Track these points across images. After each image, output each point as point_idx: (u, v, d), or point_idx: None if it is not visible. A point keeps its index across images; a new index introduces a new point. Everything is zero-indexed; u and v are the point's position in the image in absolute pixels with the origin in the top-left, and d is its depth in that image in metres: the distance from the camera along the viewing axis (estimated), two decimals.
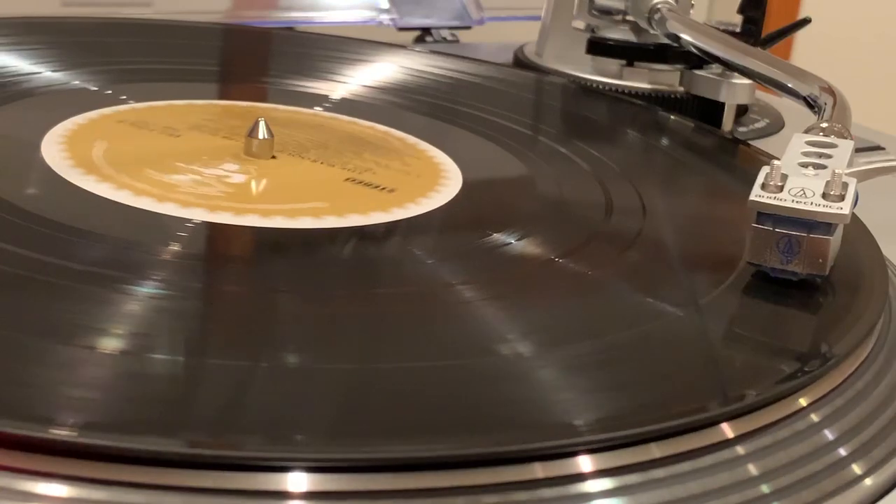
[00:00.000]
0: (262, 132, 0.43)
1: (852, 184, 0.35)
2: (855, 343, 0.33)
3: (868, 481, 0.29)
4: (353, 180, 0.42)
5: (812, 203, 0.34)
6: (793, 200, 0.35)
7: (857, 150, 0.41)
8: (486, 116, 0.52)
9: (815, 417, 0.30)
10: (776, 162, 0.36)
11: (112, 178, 0.39)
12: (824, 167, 0.37)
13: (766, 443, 0.28)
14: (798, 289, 0.35)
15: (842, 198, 0.35)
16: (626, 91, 0.59)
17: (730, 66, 0.55)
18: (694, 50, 0.56)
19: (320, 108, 0.51)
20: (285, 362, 0.29)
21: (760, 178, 0.35)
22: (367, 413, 0.27)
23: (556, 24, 0.64)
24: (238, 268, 0.36)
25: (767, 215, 0.35)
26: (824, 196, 0.35)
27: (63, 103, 0.46)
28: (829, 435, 0.30)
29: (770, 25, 0.63)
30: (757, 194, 0.35)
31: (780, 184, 0.35)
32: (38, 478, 0.23)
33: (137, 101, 0.48)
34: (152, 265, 0.33)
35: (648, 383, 0.30)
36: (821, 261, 0.35)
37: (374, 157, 0.45)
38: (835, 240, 0.35)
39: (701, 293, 0.36)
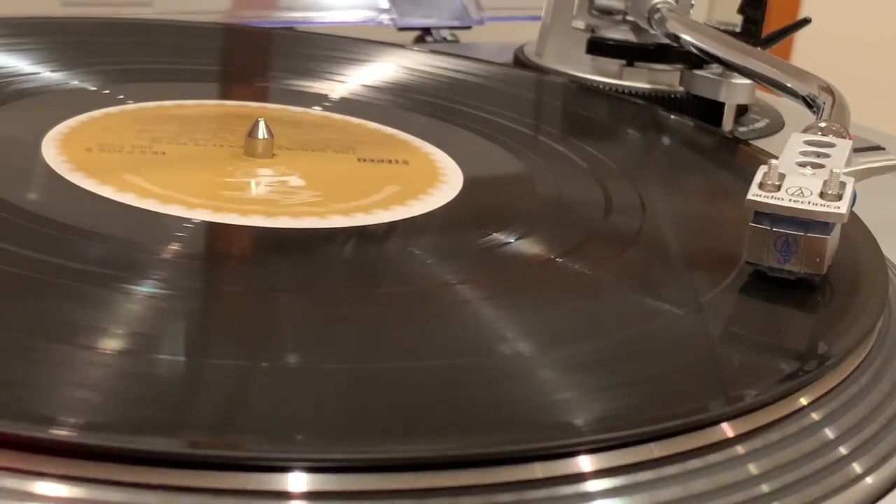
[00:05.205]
0: (262, 132, 0.43)
1: (850, 183, 0.35)
2: (855, 342, 0.33)
3: (869, 480, 0.29)
4: (370, 160, 0.42)
5: (809, 202, 0.34)
6: (790, 200, 0.35)
7: (857, 150, 0.41)
8: (486, 116, 0.52)
9: (815, 417, 0.30)
10: (774, 161, 0.36)
11: (114, 178, 0.39)
12: (822, 166, 0.37)
13: (766, 442, 0.28)
14: (798, 288, 0.35)
15: (839, 197, 0.35)
16: (626, 91, 0.59)
17: (730, 66, 0.55)
18: (694, 50, 0.56)
19: (320, 108, 0.51)
20: (285, 362, 0.29)
21: (758, 178, 0.35)
22: (366, 413, 0.27)
23: (556, 24, 0.64)
24: (239, 267, 0.36)
25: (765, 214, 0.35)
26: (822, 195, 0.35)
27: (63, 103, 0.46)
28: (829, 434, 0.30)
29: (770, 25, 0.63)
30: (754, 193, 0.35)
31: (777, 183, 0.35)
32: (38, 478, 0.23)
33: (137, 101, 0.48)
34: (165, 266, 0.33)
35: (648, 383, 0.30)
36: (818, 260, 0.35)
37: (376, 155, 0.45)
38: (832, 239, 0.35)
39: (701, 293, 0.36)
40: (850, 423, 0.30)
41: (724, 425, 0.28)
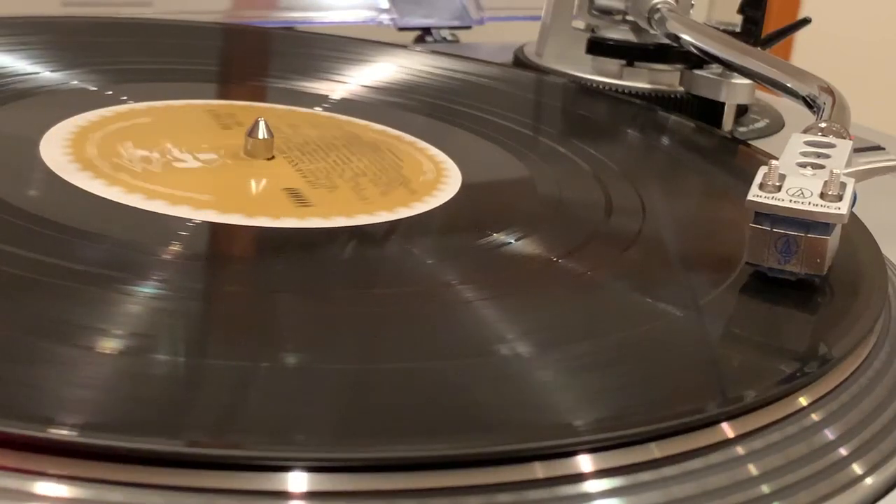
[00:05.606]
0: (261, 132, 0.43)
1: (850, 184, 0.35)
2: (855, 343, 0.33)
3: (868, 481, 0.29)
4: (290, 190, 0.40)
5: (810, 203, 0.34)
6: (790, 200, 0.35)
7: (857, 150, 0.41)
8: (486, 116, 0.52)
9: (815, 417, 0.30)
10: (774, 162, 0.36)
11: (111, 177, 0.39)
12: (822, 167, 0.37)
13: (766, 443, 0.28)
14: (798, 289, 0.35)
15: (840, 198, 0.35)
16: (626, 91, 0.59)
17: (730, 66, 0.55)
18: (694, 50, 0.56)
19: (320, 109, 0.51)
20: (285, 362, 0.29)
21: (758, 178, 0.35)
22: (367, 413, 0.27)
23: (556, 24, 0.64)
24: (241, 266, 0.36)
25: (765, 215, 0.35)
26: (822, 196, 0.35)
27: (63, 103, 0.46)
28: (829, 435, 0.30)
29: (770, 25, 0.63)
30: (755, 194, 0.35)
31: (777, 184, 0.35)
32: (38, 478, 0.23)
33: (137, 101, 0.48)
34: (138, 261, 0.33)
35: (648, 383, 0.30)
36: (818, 261, 0.35)
37: (370, 160, 0.45)
38: (833, 240, 0.35)
39: (701, 293, 0.36)
40: (850, 423, 0.30)
41: (724, 426, 0.28)
